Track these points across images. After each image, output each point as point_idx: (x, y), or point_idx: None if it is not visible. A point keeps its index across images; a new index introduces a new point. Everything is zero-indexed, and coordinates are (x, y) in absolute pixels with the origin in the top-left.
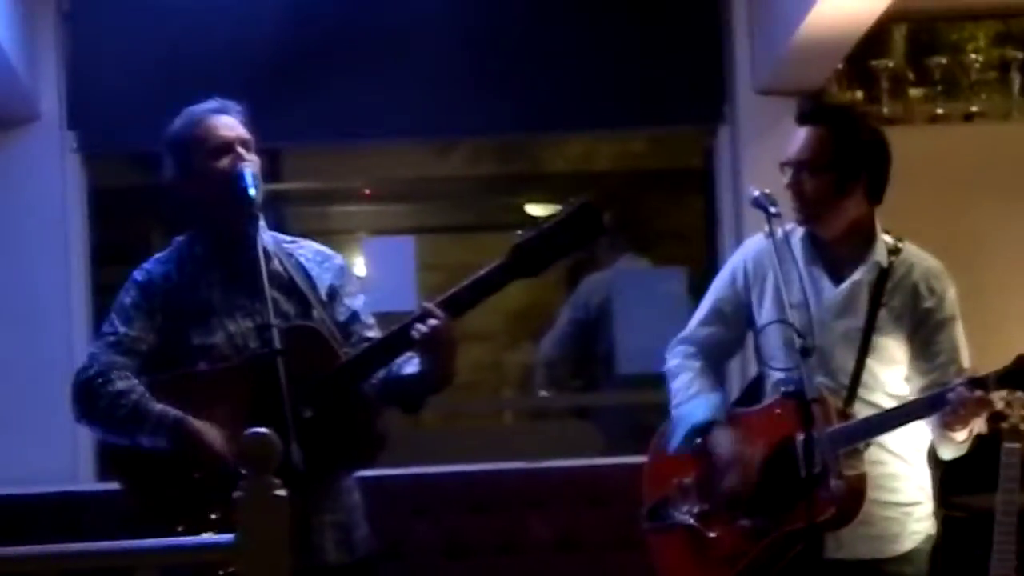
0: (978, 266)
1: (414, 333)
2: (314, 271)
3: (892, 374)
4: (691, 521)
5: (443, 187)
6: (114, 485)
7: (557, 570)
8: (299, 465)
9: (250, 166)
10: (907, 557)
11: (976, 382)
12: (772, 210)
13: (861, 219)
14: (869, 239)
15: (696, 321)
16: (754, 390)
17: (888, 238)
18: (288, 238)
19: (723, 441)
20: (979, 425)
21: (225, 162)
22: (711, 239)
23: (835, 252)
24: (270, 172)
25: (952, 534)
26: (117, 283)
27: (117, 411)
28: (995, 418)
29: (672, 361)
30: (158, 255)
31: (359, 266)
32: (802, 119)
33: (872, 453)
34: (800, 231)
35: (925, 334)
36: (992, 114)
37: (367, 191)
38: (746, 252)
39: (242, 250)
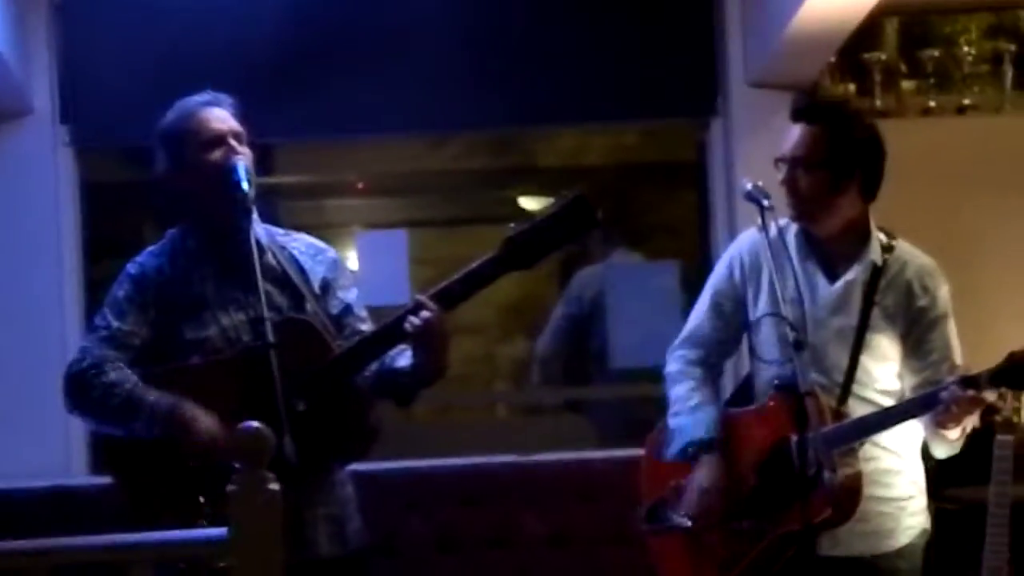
0: (971, 260)
1: (407, 326)
2: (307, 264)
3: (885, 371)
4: (688, 523)
5: (436, 181)
6: (107, 479)
7: (550, 564)
8: (292, 459)
9: (243, 159)
10: (902, 552)
11: (968, 381)
12: (765, 203)
13: (856, 217)
14: (864, 236)
15: (696, 319)
16: (745, 389)
17: (881, 235)
18: (281, 231)
19: (705, 472)
20: (972, 423)
21: (217, 155)
22: (704, 232)
23: (829, 249)
24: (263, 166)
25: (945, 527)
26: (110, 277)
27: (111, 401)
28: (987, 411)
29: (673, 366)
30: (151, 248)
31: (352, 260)
32: (797, 116)
33: (865, 449)
34: (795, 227)
35: (918, 332)
36: (985, 107)
37: (360, 185)
38: (741, 246)
39: (235, 243)
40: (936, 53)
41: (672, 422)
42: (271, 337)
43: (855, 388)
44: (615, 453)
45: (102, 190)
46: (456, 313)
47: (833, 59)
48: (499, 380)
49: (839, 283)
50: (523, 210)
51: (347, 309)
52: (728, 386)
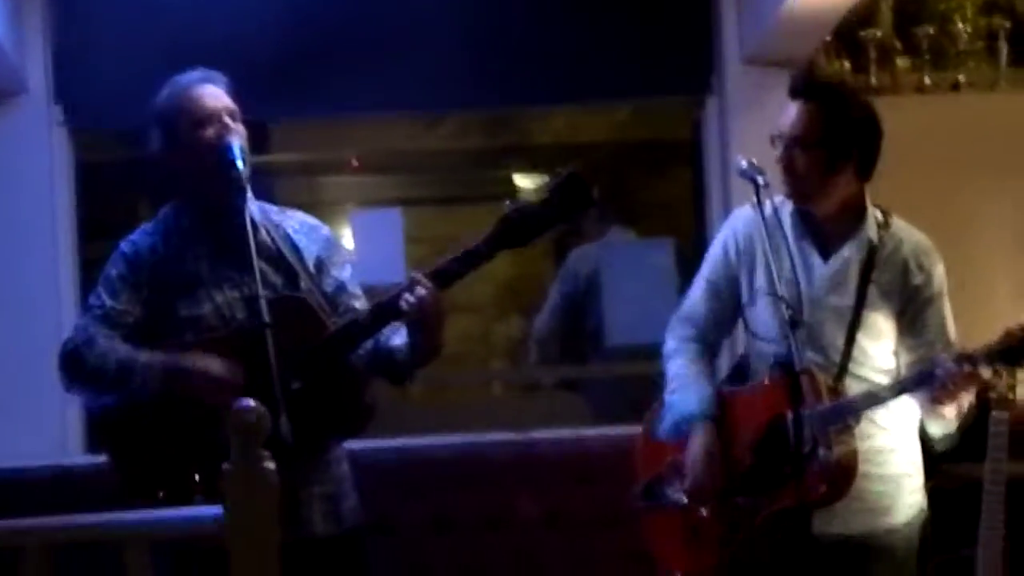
0: (965, 238)
1: (402, 304)
2: (301, 242)
3: (881, 349)
4: (684, 500)
5: (431, 159)
6: (103, 459)
7: (545, 542)
8: (288, 437)
9: (237, 137)
10: (898, 530)
11: (964, 357)
12: (760, 181)
13: (851, 196)
14: (859, 215)
15: (693, 298)
16: (742, 368)
17: (878, 213)
18: (276, 209)
19: (699, 442)
20: (968, 401)
21: (211, 132)
22: (699, 210)
23: (825, 227)
24: (257, 144)
25: (940, 504)
26: (105, 257)
27: (105, 368)
28: (983, 388)
29: (670, 343)
30: (144, 226)
31: (347, 238)
32: (794, 93)
33: (861, 428)
34: (790, 204)
35: (914, 310)
36: (979, 84)
37: (355, 163)
38: (735, 224)
39: (229, 221)
40: (931, 30)
41: (667, 398)
42: (266, 315)
43: (851, 367)
44: (611, 431)
45: (97, 170)
46: (452, 291)
47: (828, 37)
48: (495, 358)
49: (834, 261)
50: (518, 188)
51: (341, 287)
52: (724, 366)
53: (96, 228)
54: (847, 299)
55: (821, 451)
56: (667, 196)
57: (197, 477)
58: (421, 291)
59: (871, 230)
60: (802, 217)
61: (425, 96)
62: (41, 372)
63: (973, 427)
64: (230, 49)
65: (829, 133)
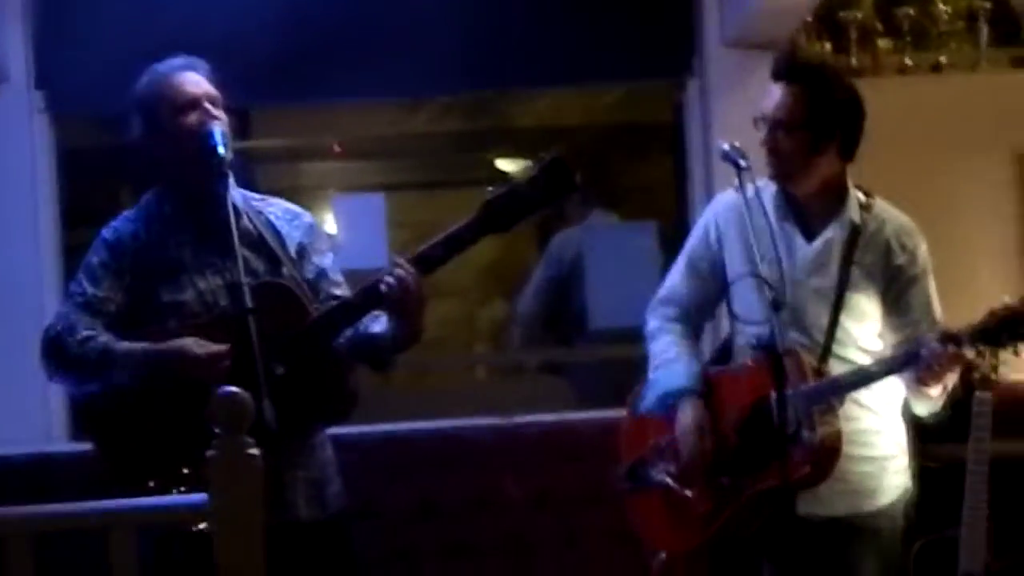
0: (947, 218)
1: (383, 287)
2: (284, 229)
3: (865, 330)
4: (668, 480)
5: (413, 144)
6: (87, 446)
7: (530, 526)
8: (272, 423)
9: (219, 124)
10: (884, 511)
11: (949, 337)
12: (742, 164)
13: (833, 176)
14: (841, 196)
15: (673, 280)
16: (725, 350)
17: (860, 194)
18: (258, 196)
19: (688, 415)
20: (953, 380)
21: (192, 118)
22: (681, 193)
23: (807, 209)
24: (239, 130)
25: (924, 484)
26: (87, 244)
27: (87, 356)
28: (966, 368)
29: (652, 323)
30: (126, 213)
31: (329, 223)
32: (778, 75)
33: (846, 409)
34: (772, 187)
35: (897, 290)
36: (961, 65)
37: (337, 148)
38: (717, 207)
39: (211, 208)
40: (912, 11)
41: (651, 375)
42: (249, 301)
43: (835, 348)
44: (595, 414)
45: (78, 156)
46: (435, 276)
47: (809, 18)
48: (478, 343)
49: (817, 242)
50: (501, 172)
51: (322, 273)
52: (706, 351)
53: (78, 215)
54: (830, 280)
55: (805, 432)
56: (649, 179)
57: (186, 471)
58: (402, 275)
59: (853, 211)
60: (784, 198)
61: (407, 81)
62: (24, 359)
63: (957, 407)
64: (211, 36)
65: (812, 115)
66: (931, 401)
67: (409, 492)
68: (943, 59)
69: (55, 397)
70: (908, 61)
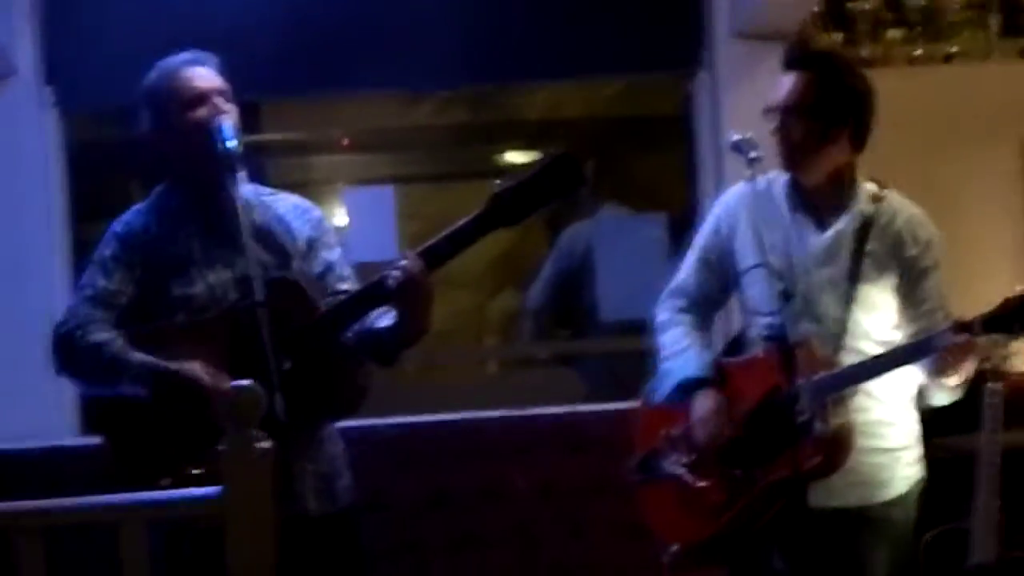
0: (956, 209)
1: (390, 281)
2: (293, 223)
3: (878, 321)
4: (680, 471)
5: (422, 137)
6: (98, 440)
7: (539, 518)
8: (282, 416)
9: (228, 118)
10: (896, 502)
11: (962, 326)
12: (752, 155)
13: (843, 166)
14: (851, 187)
15: (683, 273)
16: (738, 342)
17: (871, 185)
18: (267, 190)
19: (704, 403)
20: (971, 369)
21: (202, 113)
22: (691, 185)
23: (817, 200)
24: (248, 123)
25: (934, 475)
26: (97, 237)
27: (97, 362)
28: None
29: (662, 315)
30: (137, 206)
31: (339, 216)
32: (789, 64)
33: (857, 400)
34: (782, 179)
35: (910, 282)
36: (971, 55)
37: (346, 141)
38: (727, 199)
39: (220, 201)
40: (922, 1)
41: (663, 366)
42: (260, 295)
43: (847, 339)
44: (605, 406)
45: (88, 150)
46: (445, 267)
47: (818, 8)
48: (489, 335)
49: (828, 233)
50: (508, 164)
51: (329, 267)
52: (716, 344)
53: (88, 209)
54: (841, 271)
55: (816, 423)
56: (657, 171)
57: (196, 471)
58: (410, 268)
59: (864, 202)
60: (795, 189)
61: (414, 73)
62: (34, 352)
63: (968, 399)
64: (219, 29)
65: (824, 101)
66: (950, 391)
67: (418, 484)
68: (954, 49)
69: (66, 391)
70: (918, 51)
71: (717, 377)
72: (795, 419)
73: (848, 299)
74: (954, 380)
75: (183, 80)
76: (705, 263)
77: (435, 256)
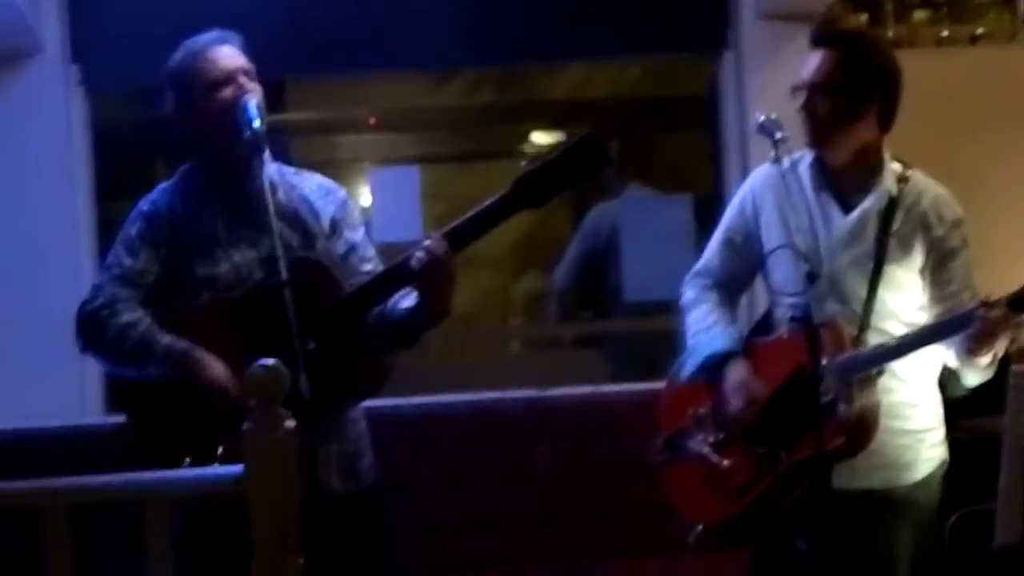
0: (983, 191)
1: (414, 262)
2: (318, 203)
3: (904, 302)
4: (706, 451)
5: (447, 116)
6: (122, 419)
7: (563, 499)
8: (307, 395)
9: (253, 97)
10: (920, 484)
11: (988, 305)
12: (778, 136)
13: (869, 145)
14: (877, 167)
15: (709, 254)
16: (765, 323)
17: (897, 166)
18: (292, 170)
19: (737, 373)
20: (1003, 347)
21: (227, 93)
22: (716, 166)
23: (842, 179)
24: (273, 103)
25: (959, 457)
26: (122, 216)
27: (124, 343)
28: None
29: (689, 293)
30: (163, 185)
31: (365, 196)
32: (817, 41)
33: (883, 381)
34: (807, 159)
35: (936, 262)
36: (997, 36)
37: (372, 121)
38: (753, 181)
39: (244, 181)
40: None
41: (690, 343)
42: (285, 275)
43: (874, 319)
44: (628, 387)
45: (113, 129)
46: (470, 248)
47: None
48: (513, 315)
49: (854, 213)
50: (535, 145)
51: (352, 248)
52: (743, 326)
53: (113, 188)
54: (866, 251)
55: (841, 404)
56: (684, 152)
57: (220, 450)
58: (434, 249)
59: (890, 182)
60: (821, 169)
61: (439, 53)
62: (59, 332)
63: (992, 380)
64: (245, 8)
65: (851, 78)
66: (982, 370)
67: (442, 464)
68: (980, 30)
69: (90, 370)
70: (945, 33)
71: (744, 353)
72: (819, 399)
73: (874, 279)
74: (987, 359)
75: (208, 60)
76: (730, 244)
77: (460, 237)
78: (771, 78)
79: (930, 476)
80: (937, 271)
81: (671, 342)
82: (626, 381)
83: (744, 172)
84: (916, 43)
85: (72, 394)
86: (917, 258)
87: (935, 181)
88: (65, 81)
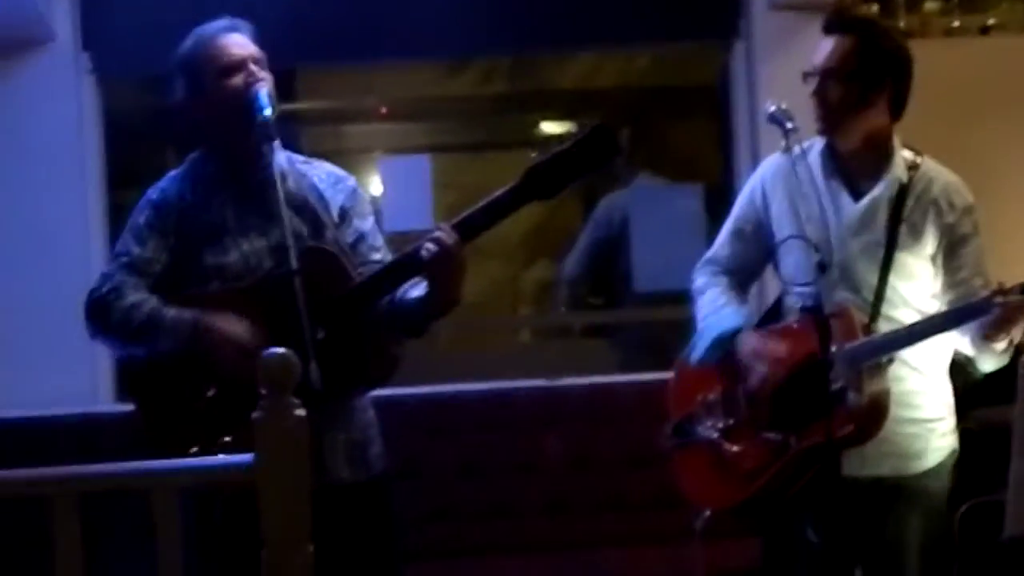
0: (993, 182)
1: (424, 253)
2: (327, 192)
3: (915, 290)
4: (715, 436)
5: (457, 106)
6: (132, 407)
7: (572, 488)
8: (317, 384)
9: (264, 85)
10: (930, 473)
11: (1000, 292)
12: (788, 125)
13: (879, 132)
14: (887, 154)
15: (719, 243)
16: (774, 312)
17: (907, 153)
18: (302, 158)
19: (751, 342)
20: (1019, 334)
21: (237, 80)
22: (727, 156)
23: (853, 166)
24: (283, 91)
25: (969, 448)
26: (132, 204)
27: (132, 321)
28: None
29: (699, 280)
30: (172, 172)
31: (375, 185)
32: (829, 28)
33: (893, 369)
34: (817, 147)
35: (948, 249)
36: (1009, 27)
37: (383, 110)
38: (764, 170)
39: (254, 169)
40: None
41: (701, 325)
42: (295, 263)
43: (885, 307)
44: (638, 377)
45: (124, 117)
46: (480, 237)
47: None
48: (523, 304)
49: (864, 200)
50: (544, 134)
51: (361, 237)
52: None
53: (124, 175)
54: (877, 238)
55: (851, 392)
56: (694, 142)
57: (227, 439)
58: (444, 240)
59: (900, 170)
60: (831, 156)
61: (450, 42)
62: (70, 319)
63: (1002, 370)
64: None
65: (863, 64)
66: (998, 356)
67: (451, 453)
68: (992, 21)
69: (101, 358)
70: (956, 23)
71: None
72: (829, 387)
73: (885, 267)
74: (1002, 344)
75: (219, 47)
76: (740, 234)
77: (470, 228)
78: (782, 67)
79: (940, 465)
80: (948, 258)
81: (681, 332)
82: (636, 371)
83: (754, 161)
84: (927, 34)
85: (82, 381)
86: (928, 245)
87: (946, 168)
88: (76, 69)
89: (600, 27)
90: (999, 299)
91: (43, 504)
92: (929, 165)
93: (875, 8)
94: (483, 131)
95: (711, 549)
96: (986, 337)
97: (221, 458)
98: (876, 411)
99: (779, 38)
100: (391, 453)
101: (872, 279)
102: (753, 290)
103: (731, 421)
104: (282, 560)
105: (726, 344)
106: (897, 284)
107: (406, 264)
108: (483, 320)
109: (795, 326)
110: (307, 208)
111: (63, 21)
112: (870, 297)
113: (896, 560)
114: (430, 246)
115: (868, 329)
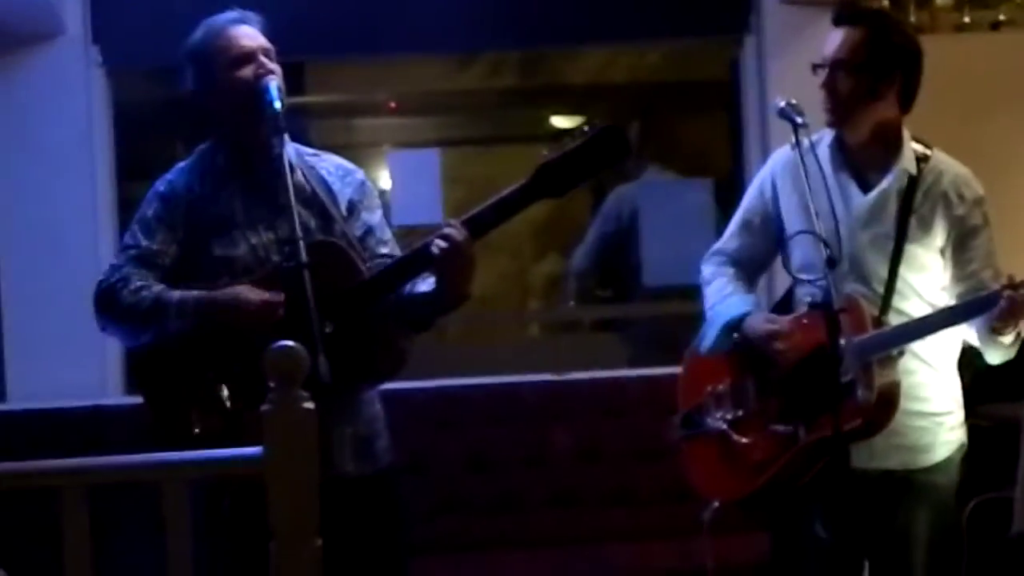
0: (1002, 177)
1: (434, 249)
2: (336, 185)
3: (925, 282)
4: (724, 427)
5: (466, 100)
6: (141, 399)
7: (580, 481)
8: (326, 377)
9: (274, 78)
10: (939, 466)
11: (1012, 285)
12: (798, 120)
13: (888, 124)
14: (896, 147)
15: (727, 235)
16: (784, 304)
17: (917, 146)
18: (310, 151)
19: (760, 321)
20: None
21: (247, 72)
22: (736, 150)
23: (862, 159)
24: (293, 84)
25: (978, 444)
26: (141, 197)
27: (140, 305)
28: None
29: (707, 270)
30: (181, 164)
31: (384, 179)
32: (839, 20)
33: (903, 362)
34: (827, 140)
35: (958, 241)
36: (1019, 22)
37: (392, 104)
38: (773, 164)
39: (263, 161)
40: None
41: (709, 314)
42: (304, 257)
43: (895, 300)
44: (646, 371)
45: (134, 109)
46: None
47: None
48: (532, 298)
49: (873, 193)
50: (554, 129)
51: (369, 231)
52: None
53: (133, 168)
54: (886, 231)
55: (859, 386)
56: (704, 136)
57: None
58: (454, 237)
59: (909, 162)
60: (840, 148)
61: (460, 36)
62: (79, 312)
63: (1010, 366)
64: None
65: (873, 56)
66: (1004, 349)
67: (459, 447)
68: (1002, 16)
69: (110, 350)
70: (966, 19)
71: None
72: (838, 379)
73: (894, 259)
74: (1010, 337)
75: (229, 38)
76: (748, 226)
77: (479, 225)
78: (792, 62)
79: (948, 459)
80: (958, 250)
81: (691, 326)
82: (644, 365)
83: (764, 156)
84: (937, 29)
85: (91, 374)
86: (938, 237)
87: (955, 160)
88: (86, 61)
89: (611, 23)
90: (1008, 292)
91: (52, 496)
92: (939, 157)
93: (885, 3)
94: (492, 125)
95: (719, 543)
96: (994, 330)
97: (230, 451)
98: (886, 404)
99: (789, 33)
100: (398, 446)
101: (882, 271)
102: (761, 283)
103: (740, 412)
104: (291, 552)
105: (735, 330)
106: (907, 276)
107: (416, 259)
108: (492, 314)
109: (804, 319)
110: (315, 201)
111: (73, 14)
112: (880, 289)
113: (904, 553)
114: (440, 242)
115: (879, 322)
